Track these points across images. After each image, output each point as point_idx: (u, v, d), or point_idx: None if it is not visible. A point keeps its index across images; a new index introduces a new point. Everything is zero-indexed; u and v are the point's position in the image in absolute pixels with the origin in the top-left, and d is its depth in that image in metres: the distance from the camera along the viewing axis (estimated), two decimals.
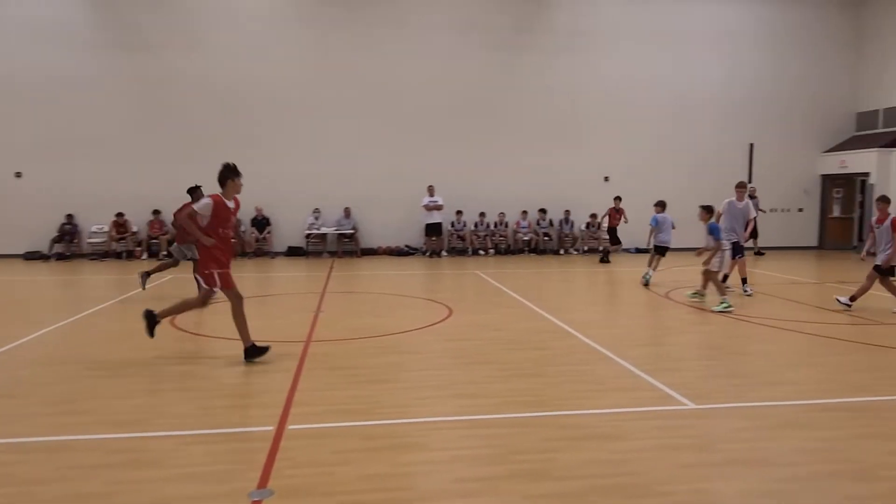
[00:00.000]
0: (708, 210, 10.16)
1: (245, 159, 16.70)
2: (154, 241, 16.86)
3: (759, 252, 17.76)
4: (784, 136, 19.57)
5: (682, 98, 18.92)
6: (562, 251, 18.46)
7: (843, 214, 19.84)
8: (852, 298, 9.50)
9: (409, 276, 13.94)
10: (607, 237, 16.86)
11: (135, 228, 16.89)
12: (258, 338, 6.66)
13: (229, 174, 6.54)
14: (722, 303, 9.54)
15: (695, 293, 10.40)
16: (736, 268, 11.18)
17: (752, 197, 14.63)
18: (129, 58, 16.86)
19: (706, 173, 18.68)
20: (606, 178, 18.83)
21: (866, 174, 18.34)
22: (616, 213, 16.28)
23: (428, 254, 17.71)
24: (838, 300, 9.65)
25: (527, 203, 18.51)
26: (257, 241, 17.18)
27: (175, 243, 11.11)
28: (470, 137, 18.14)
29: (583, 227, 18.67)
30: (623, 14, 18.57)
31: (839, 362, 6.71)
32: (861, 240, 18.85)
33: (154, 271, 11.00)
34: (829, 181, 19.86)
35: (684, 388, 5.68)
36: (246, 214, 17.45)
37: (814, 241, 20.11)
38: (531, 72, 18.34)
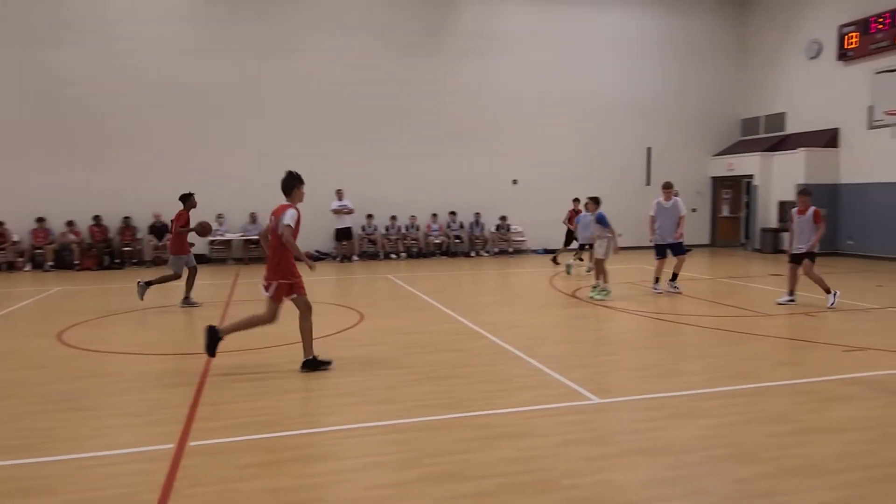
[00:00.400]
0: (595, 201, 10.89)
1: (141, 163, 16.39)
2: (38, 251, 15.66)
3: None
4: (679, 140, 20.74)
5: (587, 102, 19.65)
6: (473, 253, 18.71)
7: (731, 214, 21.28)
8: (828, 291, 9.71)
9: (319, 282, 13.67)
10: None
11: (16, 237, 15.62)
12: (155, 350, 6.33)
13: (295, 181, 6.38)
14: (602, 291, 10.11)
15: (593, 288, 10.80)
16: (655, 264, 11.32)
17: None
18: (6, 51, 15.62)
19: (610, 175, 19.49)
20: (515, 181, 19.28)
21: (751, 176, 19.75)
22: (575, 216, 15.68)
23: (339, 258, 17.48)
24: (829, 306, 9.58)
25: (437, 206, 18.64)
26: (156, 249, 16.30)
27: (171, 255, 10.42)
28: (379, 140, 18.06)
29: (493, 228, 19.01)
30: (528, 20, 19.07)
31: (727, 353, 7.17)
32: (748, 237, 20.30)
33: (157, 282, 10.23)
34: (718, 183, 21.24)
35: (589, 383, 5.90)
36: (143, 222, 16.59)
37: (706, 240, 21.42)
38: (439, 75, 18.50)
